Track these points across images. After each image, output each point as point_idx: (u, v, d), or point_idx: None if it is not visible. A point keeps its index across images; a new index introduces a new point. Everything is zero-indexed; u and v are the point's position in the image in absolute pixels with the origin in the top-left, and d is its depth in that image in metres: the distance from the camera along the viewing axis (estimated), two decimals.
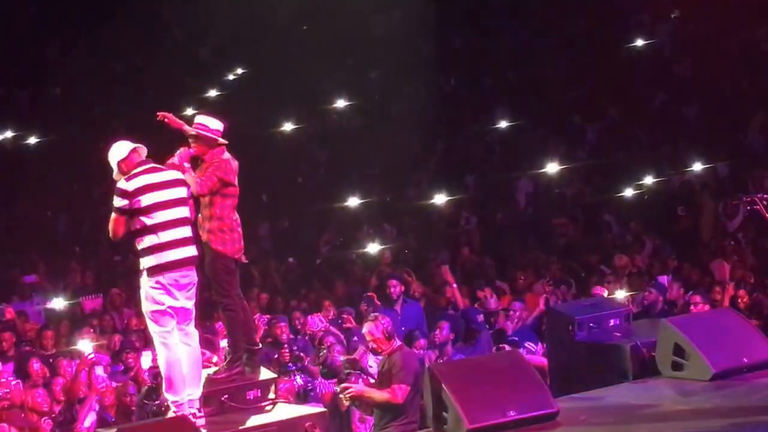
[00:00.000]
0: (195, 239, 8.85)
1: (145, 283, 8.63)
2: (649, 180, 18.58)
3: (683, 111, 20.86)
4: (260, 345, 9.75)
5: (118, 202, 8.58)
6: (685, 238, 17.59)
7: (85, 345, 12.43)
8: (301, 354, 12.21)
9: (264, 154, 22.11)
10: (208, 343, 10.75)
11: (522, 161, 20.72)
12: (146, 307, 8.68)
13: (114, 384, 11.77)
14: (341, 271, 18.61)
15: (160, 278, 8.55)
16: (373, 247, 18.33)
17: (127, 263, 18.47)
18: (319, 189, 21.92)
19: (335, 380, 11.18)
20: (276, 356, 12.09)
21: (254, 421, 8.78)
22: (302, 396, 11.53)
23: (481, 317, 13.25)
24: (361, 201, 20.27)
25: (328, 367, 11.66)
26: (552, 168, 19.63)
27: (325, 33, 24.24)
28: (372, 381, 10.25)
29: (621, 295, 13.30)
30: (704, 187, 18.38)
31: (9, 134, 23.18)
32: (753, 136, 19.54)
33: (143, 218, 8.57)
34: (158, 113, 9.18)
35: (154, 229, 8.57)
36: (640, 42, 22.25)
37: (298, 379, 11.84)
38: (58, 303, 17.38)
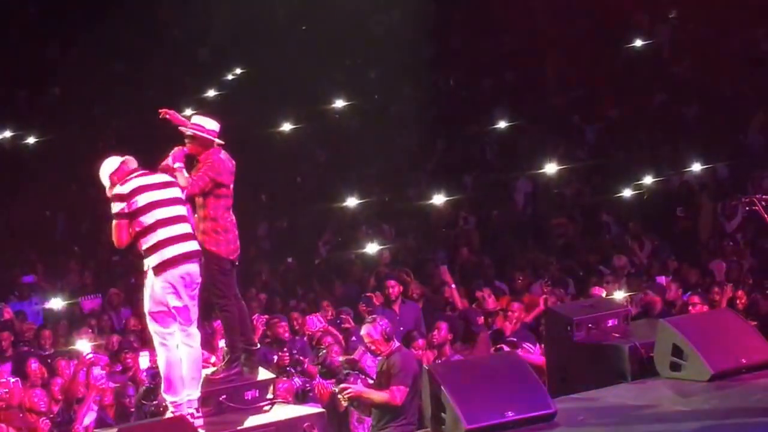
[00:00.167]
0: (195, 236, 8.85)
1: (152, 282, 8.62)
2: (648, 180, 18.58)
3: (682, 111, 20.86)
4: (258, 345, 9.74)
5: (116, 207, 8.60)
6: (684, 239, 17.59)
7: (84, 345, 12.43)
8: (300, 357, 12.19)
9: (263, 154, 22.13)
10: (206, 342, 10.74)
11: (521, 161, 20.73)
12: (149, 307, 8.67)
13: (112, 384, 11.75)
14: (340, 271, 18.61)
15: (167, 276, 8.54)
16: (371, 248, 18.33)
17: (125, 263, 18.49)
18: (318, 189, 21.93)
19: (334, 380, 11.17)
20: (275, 358, 12.07)
21: (252, 421, 8.77)
22: (300, 396, 11.52)
23: (481, 319, 13.25)
24: (360, 201, 20.29)
25: (327, 367, 11.66)
26: (551, 168, 19.64)
27: (324, 33, 24.27)
28: (370, 381, 10.25)
29: (619, 295, 13.29)
30: (703, 187, 18.38)
31: (8, 134, 23.21)
32: (752, 136, 19.54)
33: (142, 218, 8.58)
34: (160, 110, 9.18)
35: (154, 227, 8.58)
36: (639, 42, 22.26)
37: (296, 380, 11.83)
38: (57, 303, 17.39)
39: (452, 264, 17.34)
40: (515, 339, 12.21)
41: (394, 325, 11.14)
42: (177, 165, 8.91)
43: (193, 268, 8.69)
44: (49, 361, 13.01)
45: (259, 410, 8.99)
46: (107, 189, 8.77)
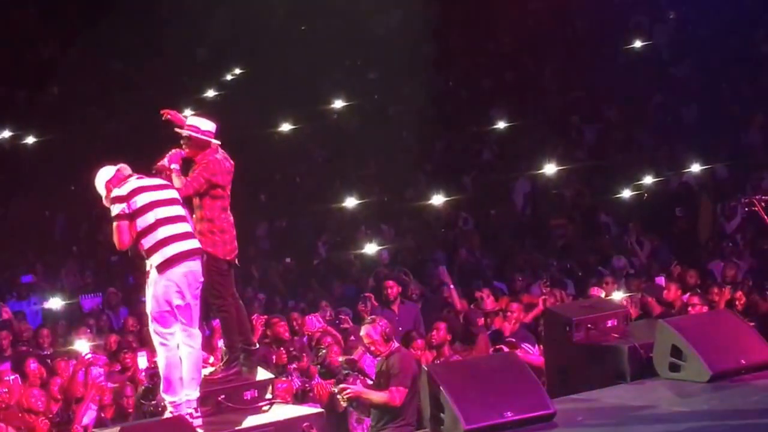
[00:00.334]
0: (195, 234, 8.85)
1: (155, 281, 8.61)
2: (647, 181, 18.58)
3: (681, 112, 20.87)
4: (257, 345, 9.73)
5: (116, 209, 8.59)
6: (684, 240, 17.59)
7: (82, 345, 12.42)
8: (297, 353, 12.18)
9: (262, 154, 22.13)
10: (204, 342, 10.73)
11: (520, 162, 20.72)
12: (152, 307, 8.65)
13: (111, 384, 11.75)
14: (339, 271, 18.61)
15: (171, 275, 8.53)
16: (370, 248, 18.33)
17: (124, 263, 18.48)
18: (318, 189, 21.92)
19: (333, 381, 11.16)
20: (274, 358, 12.07)
21: (251, 421, 8.76)
22: (300, 396, 11.51)
23: (481, 320, 13.24)
24: (359, 201, 20.29)
25: (326, 367, 11.65)
26: (550, 169, 19.64)
27: (324, 33, 24.26)
28: (370, 382, 10.25)
29: (619, 296, 13.28)
30: (702, 188, 18.38)
31: (7, 134, 23.20)
32: (751, 137, 19.54)
33: (142, 219, 8.57)
34: (162, 111, 9.16)
35: (155, 226, 8.57)
36: (638, 43, 22.26)
37: (296, 380, 11.82)
38: (56, 303, 17.38)
39: (451, 264, 17.34)
40: (514, 339, 12.21)
41: (393, 326, 11.12)
42: (173, 167, 8.90)
43: (195, 266, 8.68)
44: (48, 361, 13.00)
45: (257, 410, 8.98)
46: (104, 198, 8.75)
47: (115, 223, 8.61)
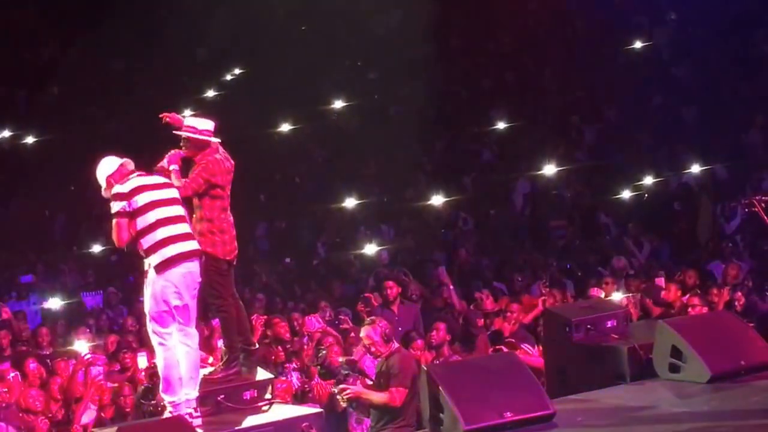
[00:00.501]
0: (194, 235, 8.85)
1: (153, 281, 8.61)
2: (647, 181, 18.58)
3: (681, 112, 20.86)
4: (257, 345, 9.73)
5: (116, 206, 8.58)
6: (683, 240, 17.58)
7: (82, 345, 12.41)
8: (295, 350, 12.17)
9: (262, 155, 22.12)
10: (204, 342, 10.73)
11: (520, 162, 20.72)
12: (150, 307, 8.65)
13: (110, 384, 11.75)
14: (338, 271, 18.60)
15: (169, 275, 8.54)
16: (370, 248, 18.33)
17: (124, 263, 18.49)
18: (317, 189, 21.91)
19: (333, 381, 11.16)
20: (273, 357, 12.06)
21: (251, 421, 8.76)
22: (299, 396, 11.51)
23: (481, 321, 13.24)
24: (359, 201, 20.28)
25: (326, 367, 11.65)
26: (550, 169, 19.63)
27: (324, 33, 24.26)
28: (369, 382, 10.25)
29: (618, 296, 13.28)
30: (702, 188, 18.37)
31: (7, 134, 23.21)
32: (751, 137, 19.53)
33: (142, 218, 8.58)
34: (162, 114, 9.15)
35: (154, 226, 8.58)
36: (638, 44, 22.26)
37: (295, 380, 11.82)
38: (55, 303, 17.38)
39: (451, 265, 17.33)
40: (514, 340, 12.21)
41: (393, 326, 11.13)
42: (172, 167, 8.90)
43: (194, 266, 8.69)
44: (48, 361, 13.00)
45: (257, 410, 8.98)
46: (103, 189, 8.75)
47: (114, 220, 8.62)
